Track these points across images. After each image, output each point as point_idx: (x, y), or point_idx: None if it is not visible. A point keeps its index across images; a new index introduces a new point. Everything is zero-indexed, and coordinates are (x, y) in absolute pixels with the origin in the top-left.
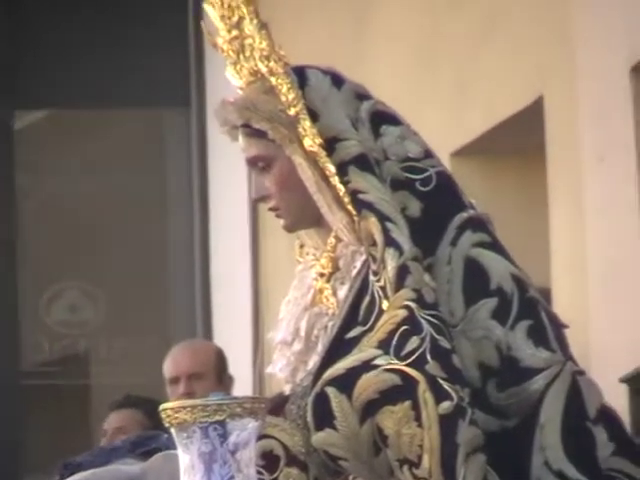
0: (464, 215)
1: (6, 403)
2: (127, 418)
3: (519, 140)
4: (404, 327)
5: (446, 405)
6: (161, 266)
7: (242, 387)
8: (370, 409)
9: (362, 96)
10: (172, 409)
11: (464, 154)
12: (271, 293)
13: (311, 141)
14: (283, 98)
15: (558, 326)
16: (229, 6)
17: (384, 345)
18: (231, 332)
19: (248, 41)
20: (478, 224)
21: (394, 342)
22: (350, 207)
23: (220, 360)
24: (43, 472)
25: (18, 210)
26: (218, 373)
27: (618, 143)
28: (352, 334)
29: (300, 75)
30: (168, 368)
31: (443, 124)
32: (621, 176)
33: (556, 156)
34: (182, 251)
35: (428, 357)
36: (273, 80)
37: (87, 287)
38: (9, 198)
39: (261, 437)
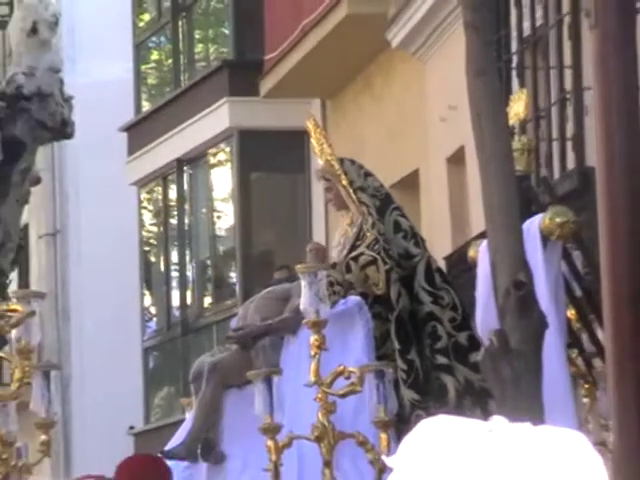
0: (394, 204)
1: None
2: None
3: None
4: (376, 243)
5: (387, 267)
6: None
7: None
8: (362, 268)
9: (360, 167)
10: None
11: None
12: (331, 232)
13: (345, 182)
14: (335, 168)
15: (422, 240)
16: (318, 141)
17: (369, 248)
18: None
19: (325, 150)
20: (398, 208)
21: (375, 247)
22: (358, 203)
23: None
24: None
25: None
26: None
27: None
28: (357, 244)
29: (341, 161)
30: None
31: None
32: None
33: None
34: None
35: (387, 254)
36: (333, 163)
37: None
38: None
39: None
